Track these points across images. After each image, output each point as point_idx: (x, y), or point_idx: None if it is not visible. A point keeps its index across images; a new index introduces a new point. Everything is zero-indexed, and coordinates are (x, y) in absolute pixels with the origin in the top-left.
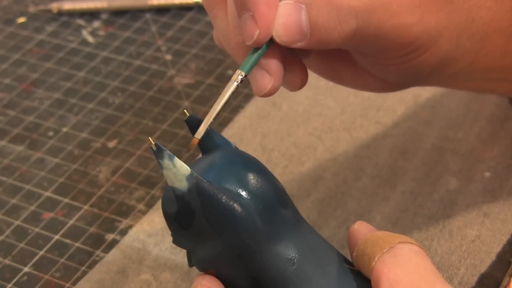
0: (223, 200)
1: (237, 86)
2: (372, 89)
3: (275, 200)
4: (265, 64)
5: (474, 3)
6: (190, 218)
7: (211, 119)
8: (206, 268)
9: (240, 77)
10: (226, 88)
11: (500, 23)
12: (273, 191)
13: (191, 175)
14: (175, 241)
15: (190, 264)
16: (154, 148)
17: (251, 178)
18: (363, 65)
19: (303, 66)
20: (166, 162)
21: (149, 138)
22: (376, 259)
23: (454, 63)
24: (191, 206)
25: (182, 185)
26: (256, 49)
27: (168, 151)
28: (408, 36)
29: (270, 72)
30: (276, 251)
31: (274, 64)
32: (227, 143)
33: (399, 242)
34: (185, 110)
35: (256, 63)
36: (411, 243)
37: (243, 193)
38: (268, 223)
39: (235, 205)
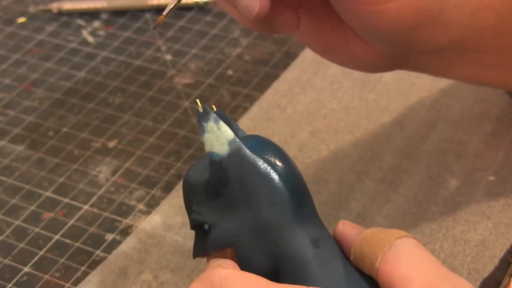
0: (263, 168)
1: None
2: (362, 63)
3: (304, 183)
4: None
5: None
6: (223, 186)
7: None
8: (225, 244)
9: None
10: None
11: (492, 0)
12: (302, 176)
13: (234, 139)
14: (195, 216)
15: (196, 252)
16: (201, 110)
17: (286, 156)
18: (340, 12)
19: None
20: (210, 124)
21: (197, 100)
22: (379, 259)
23: (441, 29)
24: (227, 173)
25: (223, 149)
26: None
27: (214, 114)
28: None
29: None
30: (303, 229)
31: None
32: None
33: (397, 238)
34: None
35: None
36: (407, 236)
37: (280, 165)
38: (300, 201)
39: (274, 175)
